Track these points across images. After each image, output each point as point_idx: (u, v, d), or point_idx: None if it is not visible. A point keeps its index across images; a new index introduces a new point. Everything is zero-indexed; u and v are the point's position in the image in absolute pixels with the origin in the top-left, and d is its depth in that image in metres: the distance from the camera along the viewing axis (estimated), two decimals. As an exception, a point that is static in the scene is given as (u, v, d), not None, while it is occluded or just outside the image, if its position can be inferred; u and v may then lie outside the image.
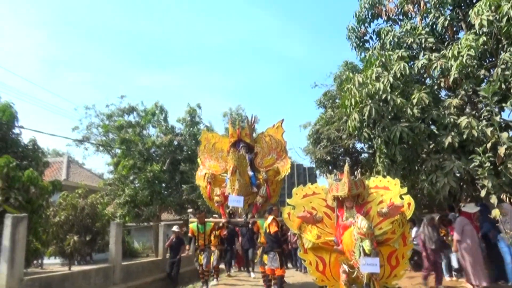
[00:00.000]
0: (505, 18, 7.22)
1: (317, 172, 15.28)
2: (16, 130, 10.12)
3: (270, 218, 8.48)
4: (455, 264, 9.21)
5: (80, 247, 12.05)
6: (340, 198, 7.60)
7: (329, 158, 12.91)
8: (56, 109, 75.06)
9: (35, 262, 13.07)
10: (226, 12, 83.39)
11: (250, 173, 9.91)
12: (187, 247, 10.55)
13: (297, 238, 8.21)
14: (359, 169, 13.79)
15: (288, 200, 8.55)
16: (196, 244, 9.86)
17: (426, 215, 10.77)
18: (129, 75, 72.54)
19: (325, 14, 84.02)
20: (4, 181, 8.54)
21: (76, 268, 11.44)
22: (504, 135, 7.00)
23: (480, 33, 7.89)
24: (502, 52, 7.87)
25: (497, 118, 7.46)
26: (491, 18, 7.41)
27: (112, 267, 9.72)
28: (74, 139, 25.15)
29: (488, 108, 7.63)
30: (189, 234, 10.01)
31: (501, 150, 6.76)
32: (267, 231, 8.48)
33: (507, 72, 7.49)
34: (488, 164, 6.84)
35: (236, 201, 9.22)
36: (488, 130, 7.41)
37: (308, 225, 7.60)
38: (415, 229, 12.21)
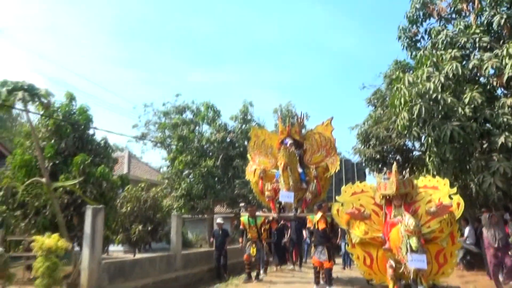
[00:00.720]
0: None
1: (367, 170, 15.32)
2: (90, 131, 11.26)
3: (319, 214, 8.75)
4: None
5: (144, 236, 13.18)
6: (388, 197, 7.91)
7: (378, 156, 13.02)
8: (116, 108, 79.59)
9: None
10: (276, 7, 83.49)
11: (300, 169, 10.18)
12: (240, 239, 10.74)
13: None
14: (410, 167, 13.79)
15: (337, 197, 8.95)
16: (248, 236, 10.06)
17: (484, 214, 10.50)
18: (183, 73, 75.10)
19: (376, 6, 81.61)
20: (81, 176, 9.66)
21: (138, 256, 12.51)
22: None
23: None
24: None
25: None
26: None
27: (173, 255, 10.62)
28: (136, 137, 26.88)
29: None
30: (241, 227, 10.25)
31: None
32: (316, 227, 8.81)
33: None
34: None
35: (287, 197, 9.59)
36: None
37: (356, 221, 7.98)
38: (468, 228, 12.06)
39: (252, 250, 9.80)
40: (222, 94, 71.95)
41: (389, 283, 7.66)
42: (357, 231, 7.96)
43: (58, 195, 9.34)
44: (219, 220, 11.97)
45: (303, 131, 11.18)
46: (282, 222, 11.60)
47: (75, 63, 66.96)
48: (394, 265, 7.38)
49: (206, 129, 22.96)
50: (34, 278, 7.92)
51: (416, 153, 13.90)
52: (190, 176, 20.35)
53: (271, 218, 10.50)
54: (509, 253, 7.98)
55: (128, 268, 8.53)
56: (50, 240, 6.37)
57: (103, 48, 69.95)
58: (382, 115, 12.52)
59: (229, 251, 12.48)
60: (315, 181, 10.14)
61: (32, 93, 7.88)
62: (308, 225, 9.40)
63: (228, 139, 21.07)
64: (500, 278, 9.65)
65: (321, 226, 8.61)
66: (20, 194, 8.50)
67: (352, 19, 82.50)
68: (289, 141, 10.41)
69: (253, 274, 9.85)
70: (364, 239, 7.92)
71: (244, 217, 10.06)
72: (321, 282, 8.75)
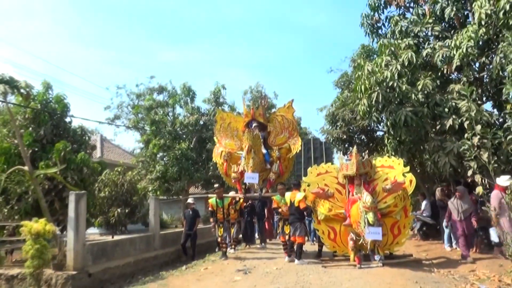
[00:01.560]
0: (502, 11, 7.91)
1: (334, 149, 16.18)
2: (67, 118, 11.50)
3: (300, 194, 9.11)
4: (495, 238, 8.56)
5: (122, 219, 13.67)
6: (350, 177, 8.75)
7: (345, 137, 13.86)
8: (83, 89, 77.58)
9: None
10: None
11: (264, 151, 10.55)
12: (211, 219, 10.74)
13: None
14: (374, 146, 14.75)
15: (303, 178, 9.73)
16: (216, 217, 10.27)
17: (438, 188, 11.19)
18: (152, 52, 73.65)
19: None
20: (62, 163, 9.99)
21: (117, 237, 12.99)
22: (478, 127, 7.78)
23: (482, 23, 8.54)
24: (501, 42, 8.56)
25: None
26: (489, 11, 8.10)
27: (152, 235, 11.20)
28: (111, 122, 26.92)
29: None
30: (209, 208, 10.49)
31: (475, 140, 7.62)
32: (295, 205, 9.07)
33: (504, 61, 8.22)
34: (473, 147, 7.66)
35: (251, 178, 10.00)
36: (484, 115, 8.25)
37: (321, 199, 8.81)
38: (425, 201, 13.16)
39: (219, 230, 10.14)
40: (193, 73, 71.41)
41: (351, 253, 8.57)
42: (322, 209, 8.79)
43: (39, 181, 9.68)
44: (189, 201, 12.05)
45: (267, 114, 11.50)
46: (249, 202, 11.88)
47: (36, 43, 64.56)
48: (354, 238, 8.26)
49: (179, 111, 23.30)
50: (19, 260, 8.37)
51: (379, 133, 14.87)
52: (164, 159, 20.74)
53: (237, 198, 10.91)
54: (472, 223, 8.12)
55: (110, 249, 9.07)
56: (38, 224, 6.81)
57: (65, 26, 67.49)
58: (347, 97, 13.29)
59: (204, 231, 13.08)
60: (278, 162, 10.54)
61: (12, 85, 8.13)
62: (274, 205, 9.70)
63: (201, 122, 21.47)
64: (448, 248, 10.65)
65: (302, 205, 8.93)
66: (3, 181, 8.78)
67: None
68: (254, 124, 10.75)
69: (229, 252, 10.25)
70: (328, 216, 8.76)
71: (212, 199, 10.32)
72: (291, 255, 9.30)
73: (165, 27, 78.01)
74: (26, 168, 8.71)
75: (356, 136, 14.68)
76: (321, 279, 7.05)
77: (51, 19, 65.70)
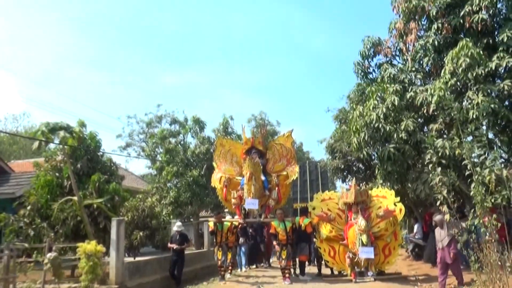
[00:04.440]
0: (461, 68, 9.70)
1: (334, 177, 17.77)
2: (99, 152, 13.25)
3: (307, 219, 10.64)
4: None
5: (144, 241, 15.14)
6: (349, 204, 10.39)
7: (343, 166, 15.52)
8: (94, 116, 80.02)
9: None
10: (247, 7, 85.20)
11: (263, 177, 10.96)
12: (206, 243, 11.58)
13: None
14: (370, 173, 16.33)
15: (309, 203, 11.35)
16: (216, 240, 10.74)
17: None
18: (154, 74, 75.73)
19: (345, 5, 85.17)
20: (96, 192, 11.64)
21: (138, 258, 14.41)
22: (438, 169, 9.29)
23: (451, 76, 10.26)
24: (469, 90, 10.28)
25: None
26: (452, 69, 9.88)
27: (173, 255, 12.70)
28: (139, 157, 29.30)
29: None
30: (210, 230, 11.10)
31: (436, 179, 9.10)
32: (302, 229, 10.50)
33: (469, 106, 9.93)
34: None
35: (252, 204, 10.37)
36: (457, 150, 9.87)
37: (324, 222, 10.41)
38: (416, 225, 14.61)
39: (218, 254, 10.69)
40: (196, 96, 73.47)
41: (347, 270, 10.17)
42: (324, 230, 10.43)
43: (76, 208, 11.28)
44: (176, 228, 11.57)
45: (266, 142, 12.18)
46: (244, 225, 12.17)
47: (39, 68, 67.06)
48: (351, 256, 9.86)
49: (190, 140, 25.07)
50: (68, 276, 9.88)
51: (375, 161, 16.51)
52: (177, 185, 22.32)
53: (237, 223, 11.39)
54: (450, 253, 8.06)
55: (142, 267, 10.61)
56: (90, 245, 8.39)
57: (69, 49, 69.58)
58: (344, 132, 15.00)
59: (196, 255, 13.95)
60: (276, 188, 10.94)
61: (69, 131, 9.89)
62: (271, 230, 10.39)
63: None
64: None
65: (309, 230, 10.57)
66: (55, 210, 10.44)
67: (323, 18, 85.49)
68: (254, 152, 11.23)
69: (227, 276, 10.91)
70: (329, 236, 10.38)
71: (211, 223, 11.01)
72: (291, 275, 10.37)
73: (167, 50, 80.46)
74: (75, 198, 10.36)
75: (353, 164, 16.32)
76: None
77: (52, 41, 68.12)
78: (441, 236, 8.39)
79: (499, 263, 6.36)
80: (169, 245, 11.32)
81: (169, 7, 79.82)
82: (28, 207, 11.26)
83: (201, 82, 75.97)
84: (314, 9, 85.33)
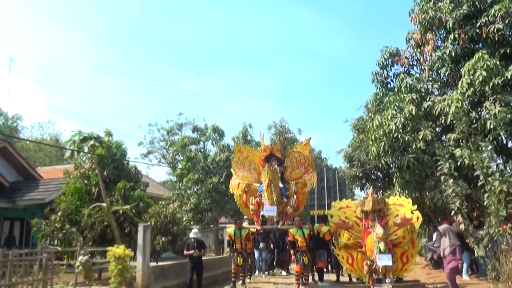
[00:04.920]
0: (477, 80, 9.85)
1: (352, 185, 17.93)
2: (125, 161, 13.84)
3: (325, 227, 10.86)
4: None
5: (166, 246, 15.62)
6: (366, 212, 10.58)
7: (361, 174, 15.70)
8: (115, 125, 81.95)
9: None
10: (265, 13, 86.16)
11: (281, 185, 10.99)
12: (227, 249, 11.32)
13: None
14: (388, 181, 16.45)
15: (327, 211, 11.55)
16: (234, 247, 10.65)
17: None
18: (174, 81, 77.32)
19: (363, 10, 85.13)
20: (122, 199, 12.18)
21: (161, 263, 14.88)
22: (450, 181, 9.41)
23: (468, 87, 10.42)
24: (486, 101, 10.41)
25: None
26: (469, 81, 10.04)
27: (196, 261, 13.11)
28: (161, 164, 29.97)
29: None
30: (227, 238, 10.99)
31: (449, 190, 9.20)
32: (321, 236, 10.74)
33: (487, 116, 10.06)
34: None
35: (270, 211, 10.46)
36: (476, 159, 9.99)
37: (342, 230, 10.63)
38: (435, 233, 14.61)
39: (239, 260, 10.53)
40: (214, 101, 74.46)
41: (365, 277, 10.34)
42: (343, 238, 10.64)
43: (103, 214, 11.83)
44: (192, 234, 11.48)
45: (283, 150, 12.01)
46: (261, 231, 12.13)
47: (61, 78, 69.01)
48: (369, 263, 10.03)
49: (209, 147, 25.64)
50: (99, 279, 10.39)
51: (393, 169, 16.64)
52: (198, 192, 22.85)
53: (254, 230, 11.36)
54: (451, 261, 8.38)
55: (166, 271, 11.04)
56: (119, 250, 8.86)
57: (92, 56, 71.63)
58: (362, 141, 15.19)
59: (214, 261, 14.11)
60: (295, 196, 10.92)
61: (98, 141, 10.50)
62: (290, 238, 10.42)
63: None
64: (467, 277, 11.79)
65: (328, 237, 10.81)
66: (86, 215, 11.02)
67: (340, 24, 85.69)
68: (273, 159, 11.27)
69: (238, 283, 10.72)
70: (347, 244, 10.58)
71: (231, 229, 10.80)
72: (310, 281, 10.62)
73: (186, 57, 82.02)
74: (104, 204, 10.92)
75: (371, 173, 16.46)
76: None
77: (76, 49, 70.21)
78: (444, 244, 8.74)
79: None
80: (186, 252, 11.13)
81: (187, 14, 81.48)
82: (59, 213, 11.86)
83: (219, 89, 77.14)
84: (332, 15, 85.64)
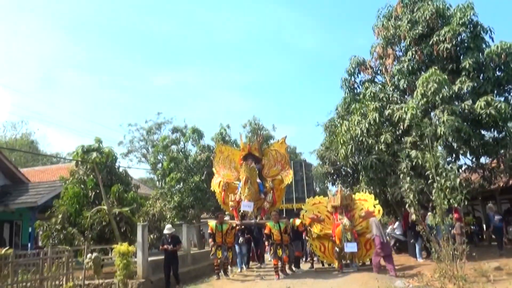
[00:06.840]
0: (430, 91, 11.58)
1: (325, 181, 19.65)
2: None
3: (298, 220, 12.28)
4: None
5: (154, 243, 16.81)
6: (335, 207, 12.16)
7: (333, 171, 17.39)
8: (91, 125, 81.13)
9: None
10: (237, 7, 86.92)
11: (259, 181, 11.68)
12: (210, 240, 11.26)
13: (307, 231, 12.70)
14: (357, 177, 18.19)
15: (303, 206, 13.07)
16: (215, 240, 11.11)
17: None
18: (145, 76, 77.20)
19: (335, 5, 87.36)
20: (117, 201, 13.35)
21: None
22: (407, 178, 11.08)
23: (421, 97, 12.14)
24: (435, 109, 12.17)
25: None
26: (422, 91, 11.76)
27: (186, 254, 14.39)
28: (151, 169, 31.04)
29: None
30: (209, 231, 11.43)
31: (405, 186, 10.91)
32: (295, 228, 12.12)
33: (437, 122, 11.82)
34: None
35: (247, 206, 11.09)
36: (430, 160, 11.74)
37: (315, 223, 12.20)
38: (397, 223, 16.48)
39: (218, 253, 11.08)
40: (187, 96, 74.82)
41: (335, 262, 11.95)
42: (316, 229, 12.23)
43: (102, 216, 12.97)
44: (166, 230, 11.67)
45: (261, 148, 12.77)
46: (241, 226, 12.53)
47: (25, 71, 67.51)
48: (338, 250, 11.65)
49: (190, 147, 26.81)
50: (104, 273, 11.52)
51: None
52: (181, 190, 24.01)
53: (234, 225, 11.91)
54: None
55: (161, 264, 12.30)
56: (123, 247, 10.09)
57: (61, 50, 70.25)
58: (333, 141, 16.85)
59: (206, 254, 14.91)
60: (271, 192, 11.71)
61: (100, 151, 11.63)
62: (266, 230, 10.89)
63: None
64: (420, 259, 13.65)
65: (301, 228, 12.37)
66: (88, 217, 12.15)
67: (312, 18, 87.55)
68: (251, 158, 11.97)
69: (221, 274, 11.39)
70: (320, 235, 12.17)
71: (212, 223, 11.36)
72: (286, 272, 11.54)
73: (158, 52, 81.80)
74: (105, 207, 12.08)
75: (342, 169, 18.18)
76: (315, 278, 10.40)
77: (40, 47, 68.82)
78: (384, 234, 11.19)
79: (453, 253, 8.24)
80: (161, 247, 11.36)
81: (158, 8, 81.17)
82: (59, 216, 12.91)
83: (193, 83, 77.60)
84: (303, 9, 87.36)
